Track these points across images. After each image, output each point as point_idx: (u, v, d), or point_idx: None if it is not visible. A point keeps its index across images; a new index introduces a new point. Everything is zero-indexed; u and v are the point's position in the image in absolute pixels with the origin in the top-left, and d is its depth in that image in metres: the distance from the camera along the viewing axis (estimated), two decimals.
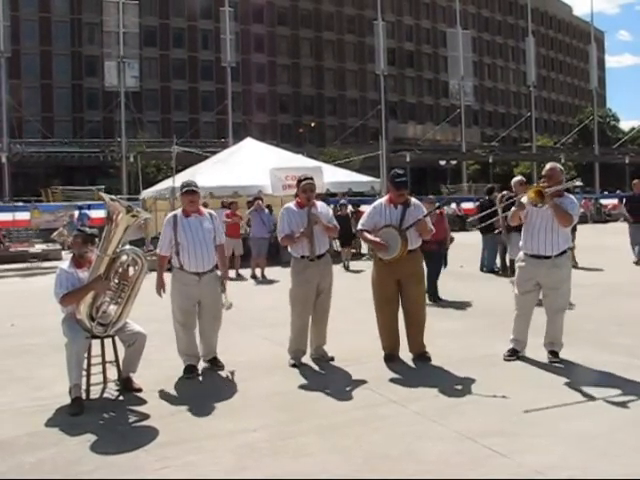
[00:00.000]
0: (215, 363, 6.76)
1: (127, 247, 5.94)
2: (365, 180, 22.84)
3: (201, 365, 6.75)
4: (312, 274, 6.76)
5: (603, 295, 10.71)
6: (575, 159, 73.17)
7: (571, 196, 6.75)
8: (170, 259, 6.75)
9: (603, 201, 43.31)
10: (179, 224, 6.60)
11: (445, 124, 74.43)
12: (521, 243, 6.82)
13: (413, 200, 6.94)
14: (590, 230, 28.03)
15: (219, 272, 6.83)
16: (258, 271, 15.26)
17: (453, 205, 36.11)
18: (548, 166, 6.79)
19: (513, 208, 6.80)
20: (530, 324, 6.82)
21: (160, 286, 6.68)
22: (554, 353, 6.64)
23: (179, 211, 6.74)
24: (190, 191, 6.65)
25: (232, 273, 6.71)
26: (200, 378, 6.50)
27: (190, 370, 6.56)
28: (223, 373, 6.59)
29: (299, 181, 6.95)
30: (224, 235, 7.23)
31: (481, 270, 14.01)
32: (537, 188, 6.42)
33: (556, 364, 6.50)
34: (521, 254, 6.84)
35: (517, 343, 6.83)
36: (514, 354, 6.77)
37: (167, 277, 6.72)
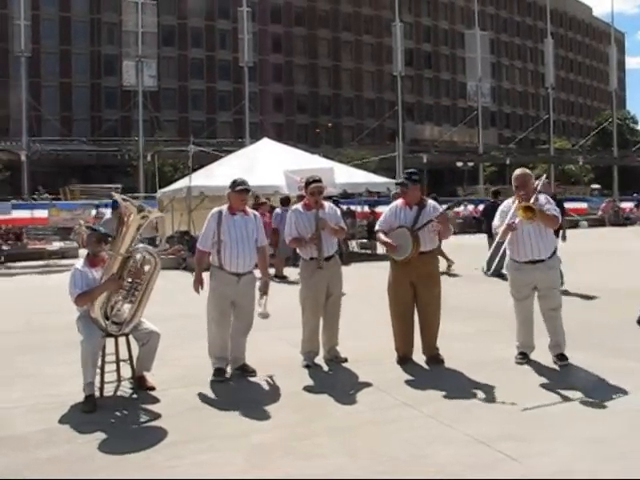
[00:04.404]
0: (245, 369, 6.56)
1: (140, 246, 5.97)
2: (381, 181, 22.83)
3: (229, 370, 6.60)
4: (321, 276, 6.73)
5: (616, 299, 10.61)
6: (593, 162, 72.80)
7: (542, 195, 6.72)
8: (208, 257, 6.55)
9: (621, 204, 42.97)
10: (224, 221, 6.42)
11: (462, 125, 74.32)
12: (509, 252, 6.75)
13: (430, 201, 6.92)
14: (608, 233, 27.90)
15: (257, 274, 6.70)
16: (282, 271, 15.20)
17: (470, 207, 36.02)
18: (518, 172, 6.72)
19: (503, 228, 6.60)
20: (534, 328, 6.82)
21: (199, 282, 6.47)
22: (562, 356, 6.61)
23: (224, 208, 6.54)
24: (245, 190, 6.51)
25: (256, 273, 6.63)
26: (223, 380, 6.40)
27: (220, 373, 6.42)
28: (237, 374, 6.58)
29: (307, 183, 6.91)
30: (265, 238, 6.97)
31: (487, 273, 13.74)
32: (524, 205, 6.33)
33: (564, 366, 6.48)
34: (510, 262, 6.78)
35: (525, 347, 6.82)
36: (525, 357, 6.76)
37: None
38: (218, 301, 6.44)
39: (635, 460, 4.26)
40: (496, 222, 6.84)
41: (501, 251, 6.80)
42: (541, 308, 6.73)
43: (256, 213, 6.87)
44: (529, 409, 5.26)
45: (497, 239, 6.71)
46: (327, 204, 7.02)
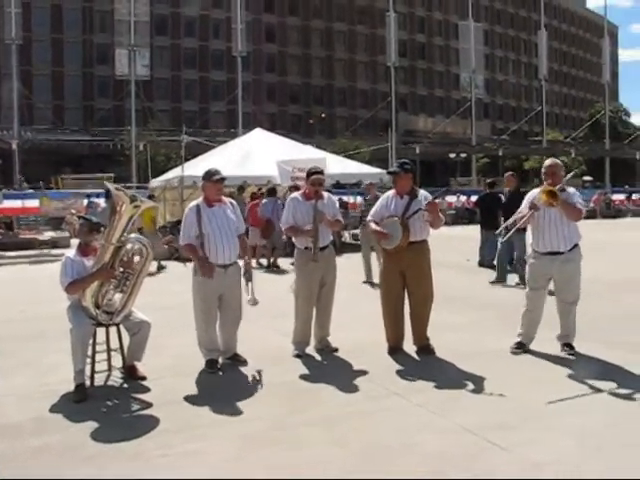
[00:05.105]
0: (237, 359, 6.56)
1: (132, 235, 5.97)
2: (374, 172, 22.80)
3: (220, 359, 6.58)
4: (316, 265, 6.71)
5: (613, 291, 10.65)
6: (585, 154, 72.98)
7: (571, 188, 6.75)
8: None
9: (613, 196, 43.14)
10: (203, 214, 6.32)
11: (455, 117, 74.31)
12: (531, 241, 6.81)
13: (422, 192, 6.92)
14: (600, 225, 27.96)
15: (240, 263, 6.59)
16: (277, 261, 15.25)
17: (463, 197, 36.05)
18: (548, 162, 6.74)
19: (525, 210, 6.66)
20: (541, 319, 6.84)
21: (205, 266, 6.16)
22: (569, 345, 6.66)
23: (200, 200, 6.45)
24: (221, 179, 6.41)
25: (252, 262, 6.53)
26: (214, 371, 6.38)
27: (212, 365, 6.39)
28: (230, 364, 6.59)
29: (309, 173, 6.90)
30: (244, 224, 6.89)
31: (480, 265, 13.88)
32: (548, 189, 6.36)
33: (570, 356, 6.52)
34: (530, 252, 6.85)
35: (525, 337, 6.83)
36: (521, 347, 6.78)
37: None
38: (205, 296, 6.33)
39: (625, 452, 4.29)
40: (521, 208, 6.90)
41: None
42: (557, 301, 6.74)
43: (232, 201, 6.76)
44: (521, 399, 5.27)
45: (518, 224, 6.81)
46: (326, 194, 6.99)
